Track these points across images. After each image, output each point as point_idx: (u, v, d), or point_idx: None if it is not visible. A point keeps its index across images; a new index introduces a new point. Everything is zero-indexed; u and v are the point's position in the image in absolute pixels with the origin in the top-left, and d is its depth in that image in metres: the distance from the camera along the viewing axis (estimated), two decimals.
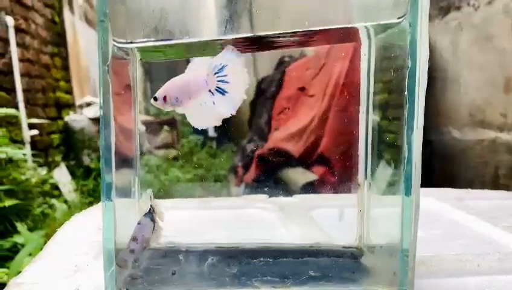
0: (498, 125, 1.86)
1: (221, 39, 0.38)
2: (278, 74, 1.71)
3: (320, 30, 0.42)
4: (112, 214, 0.35)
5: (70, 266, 0.45)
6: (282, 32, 0.40)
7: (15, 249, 1.76)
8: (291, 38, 0.44)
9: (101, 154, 0.35)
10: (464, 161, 2.06)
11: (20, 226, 1.84)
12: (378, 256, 0.42)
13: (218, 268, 0.40)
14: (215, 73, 0.38)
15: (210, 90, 0.38)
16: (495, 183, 1.87)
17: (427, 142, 2.29)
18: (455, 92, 2.10)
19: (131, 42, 0.37)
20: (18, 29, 2.65)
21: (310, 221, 0.59)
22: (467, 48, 2.04)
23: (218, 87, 0.38)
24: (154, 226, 0.41)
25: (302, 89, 1.60)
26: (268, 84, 1.68)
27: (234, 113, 0.39)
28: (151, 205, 0.42)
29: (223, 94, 0.38)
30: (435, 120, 2.23)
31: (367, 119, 0.44)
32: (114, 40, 0.34)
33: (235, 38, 0.40)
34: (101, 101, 0.34)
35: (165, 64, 0.48)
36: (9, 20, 2.53)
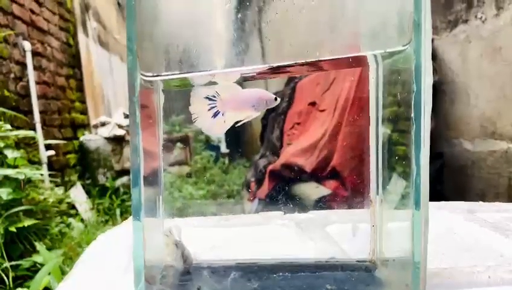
0: (510, 136, 1.86)
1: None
2: (289, 89, 1.74)
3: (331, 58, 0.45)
4: (141, 233, 0.38)
5: (100, 282, 0.48)
6: (296, 62, 0.43)
7: (34, 269, 1.79)
8: (305, 66, 0.47)
9: (131, 178, 0.37)
10: (477, 172, 2.05)
11: (39, 246, 1.87)
12: (391, 269, 0.44)
13: (240, 283, 0.43)
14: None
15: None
16: (509, 195, 1.86)
17: (438, 155, 2.28)
18: (465, 103, 2.11)
19: (158, 75, 0.40)
20: (35, 53, 2.74)
21: (326, 236, 0.61)
22: (476, 60, 2.06)
23: None
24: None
25: (313, 104, 1.63)
26: (280, 99, 1.71)
27: None
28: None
29: None
30: (446, 132, 2.24)
31: (377, 135, 0.47)
32: (141, 74, 0.37)
33: (251, 68, 0.43)
34: (131, 130, 0.37)
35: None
36: (27, 45, 2.61)
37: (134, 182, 0.37)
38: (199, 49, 0.39)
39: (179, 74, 0.40)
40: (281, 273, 0.43)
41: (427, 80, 0.37)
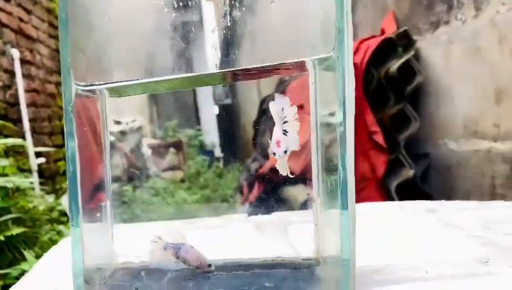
0: (492, 135, 1.88)
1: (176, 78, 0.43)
2: (279, 92, 1.77)
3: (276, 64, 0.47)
4: (79, 239, 0.39)
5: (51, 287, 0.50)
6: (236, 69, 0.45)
7: None
8: (247, 73, 0.49)
9: (67, 183, 0.39)
10: (462, 172, 2.07)
11: (28, 254, 1.88)
12: (329, 266, 0.46)
13: (175, 283, 0.44)
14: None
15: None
16: (492, 194, 1.88)
17: (424, 155, 2.28)
18: (449, 104, 2.13)
19: (91, 85, 0.42)
20: (23, 61, 2.75)
21: (282, 237, 0.63)
22: (458, 61, 2.08)
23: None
24: None
25: (301, 107, 1.65)
26: None
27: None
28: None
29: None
30: (431, 133, 2.26)
31: (316, 136, 0.49)
32: (76, 84, 0.39)
33: (193, 75, 0.45)
34: (67, 138, 0.38)
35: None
36: (15, 53, 2.62)
37: (71, 189, 0.39)
38: (130, 58, 0.41)
39: (111, 83, 0.41)
40: (216, 273, 0.45)
41: (350, 85, 0.39)
